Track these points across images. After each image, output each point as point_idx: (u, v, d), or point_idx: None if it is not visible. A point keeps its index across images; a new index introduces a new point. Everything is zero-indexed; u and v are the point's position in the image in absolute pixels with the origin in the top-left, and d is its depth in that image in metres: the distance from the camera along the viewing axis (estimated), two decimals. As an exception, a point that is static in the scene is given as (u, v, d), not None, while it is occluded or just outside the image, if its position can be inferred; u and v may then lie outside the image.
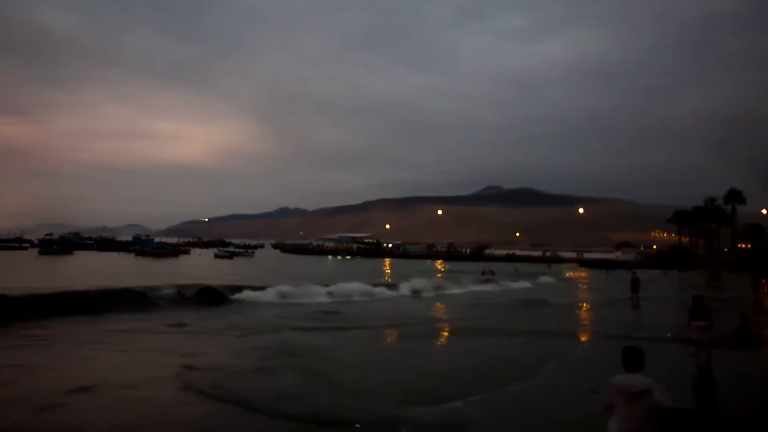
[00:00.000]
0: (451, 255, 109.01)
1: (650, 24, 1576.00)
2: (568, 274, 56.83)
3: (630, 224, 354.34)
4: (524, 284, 41.86)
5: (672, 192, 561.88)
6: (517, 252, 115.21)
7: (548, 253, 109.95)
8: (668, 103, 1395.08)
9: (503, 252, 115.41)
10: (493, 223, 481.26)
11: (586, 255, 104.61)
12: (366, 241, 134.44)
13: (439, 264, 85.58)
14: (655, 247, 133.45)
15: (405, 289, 32.27)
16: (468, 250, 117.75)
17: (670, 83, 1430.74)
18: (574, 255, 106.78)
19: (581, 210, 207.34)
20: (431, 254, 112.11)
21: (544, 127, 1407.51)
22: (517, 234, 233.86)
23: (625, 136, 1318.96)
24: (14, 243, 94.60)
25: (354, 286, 30.28)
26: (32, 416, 8.59)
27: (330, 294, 28.48)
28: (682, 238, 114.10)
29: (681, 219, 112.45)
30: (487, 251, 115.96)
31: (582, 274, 65.19)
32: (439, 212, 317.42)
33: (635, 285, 30.00)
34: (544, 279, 47.38)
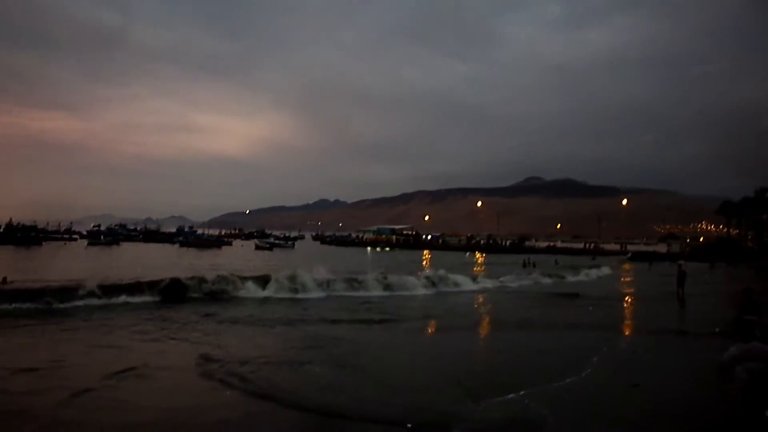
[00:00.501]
0: (490, 247, 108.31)
1: (695, 10, 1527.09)
2: (611, 267, 55.64)
3: (675, 216, 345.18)
4: (566, 277, 41.25)
5: (719, 183, 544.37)
6: (558, 244, 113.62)
7: (590, 245, 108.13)
8: (714, 91, 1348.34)
9: (544, 244, 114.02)
10: (533, 214, 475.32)
11: (630, 247, 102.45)
12: (405, 232, 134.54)
13: (478, 256, 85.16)
14: (701, 239, 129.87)
15: (443, 281, 31.77)
16: (508, 242, 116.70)
17: (717, 71, 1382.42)
18: (617, 247, 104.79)
19: (624, 201, 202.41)
20: (470, 246, 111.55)
21: (586, 117, 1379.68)
22: (558, 226, 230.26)
23: (669, 125, 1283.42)
24: (64, 235, 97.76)
25: (394, 279, 29.76)
26: (69, 399, 9.04)
27: (367, 285, 28.16)
28: (731, 230, 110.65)
29: (729, 210, 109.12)
30: (527, 243, 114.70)
31: (626, 266, 63.93)
32: (479, 204, 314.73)
33: (681, 278, 29.32)
34: (587, 271, 46.58)
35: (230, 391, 9.78)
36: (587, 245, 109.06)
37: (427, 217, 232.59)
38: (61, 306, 19.11)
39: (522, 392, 9.85)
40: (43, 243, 76.66)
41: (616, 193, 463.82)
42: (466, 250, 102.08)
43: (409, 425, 8.14)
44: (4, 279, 23.00)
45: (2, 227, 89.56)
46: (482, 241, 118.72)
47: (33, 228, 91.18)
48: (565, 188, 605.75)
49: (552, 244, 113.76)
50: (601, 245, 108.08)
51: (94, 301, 20.19)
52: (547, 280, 38.19)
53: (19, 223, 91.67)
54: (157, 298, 21.73)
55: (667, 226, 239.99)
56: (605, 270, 49.75)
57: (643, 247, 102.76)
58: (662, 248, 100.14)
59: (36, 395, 9.19)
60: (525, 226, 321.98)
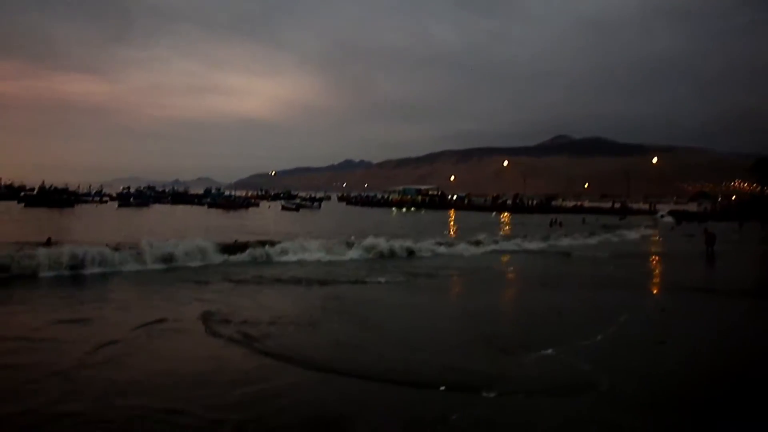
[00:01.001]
0: (517, 207, 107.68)
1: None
2: (643, 226, 54.87)
3: (706, 174, 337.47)
4: (594, 237, 40.83)
5: (753, 139, 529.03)
6: (586, 203, 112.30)
7: (617, 204, 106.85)
8: (749, 44, 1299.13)
9: (571, 204, 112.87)
10: (561, 174, 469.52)
11: (659, 206, 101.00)
12: (430, 193, 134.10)
13: (504, 216, 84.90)
14: (734, 198, 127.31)
15: (467, 243, 31.46)
16: (535, 202, 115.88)
17: (752, 22, 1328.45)
18: (646, 207, 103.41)
19: (654, 160, 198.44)
20: (497, 206, 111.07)
21: (616, 74, 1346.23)
22: (586, 185, 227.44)
23: (702, 80, 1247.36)
24: (95, 197, 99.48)
25: (424, 244, 29.10)
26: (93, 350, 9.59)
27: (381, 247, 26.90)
28: (765, 188, 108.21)
29: (764, 168, 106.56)
30: (554, 203, 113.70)
31: (654, 226, 63.16)
32: (505, 163, 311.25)
33: (710, 239, 29.09)
34: (616, 231, 46.15)
35: (249, 347, 10.16)
36: (614, 204, 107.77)
37: (452, 177, 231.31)
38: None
39: (551, 349, 10.02)
40: (75, 205, 78.03)
41: (645, 151, 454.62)
42: (492, 210, 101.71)
43: (443, 387, 7.85)
44: (48, 239, 23.91)
45: (36, 190, 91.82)
46: (508, 201, 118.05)
47: (65, 190, 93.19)
48: (594, 147, 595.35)
49: (579, 203, 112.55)
50: (630, 205, 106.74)
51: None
52: (576, 240, 37.87)
53: (51, 186, 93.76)
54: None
55: (698, 185, 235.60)
56: (637, 230, 49.18)
57: (673, 206, 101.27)
58: (693, 207, 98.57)
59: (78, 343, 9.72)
60: (552, 185, 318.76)
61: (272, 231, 39.54)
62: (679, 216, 75.92)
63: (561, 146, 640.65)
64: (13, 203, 73.42)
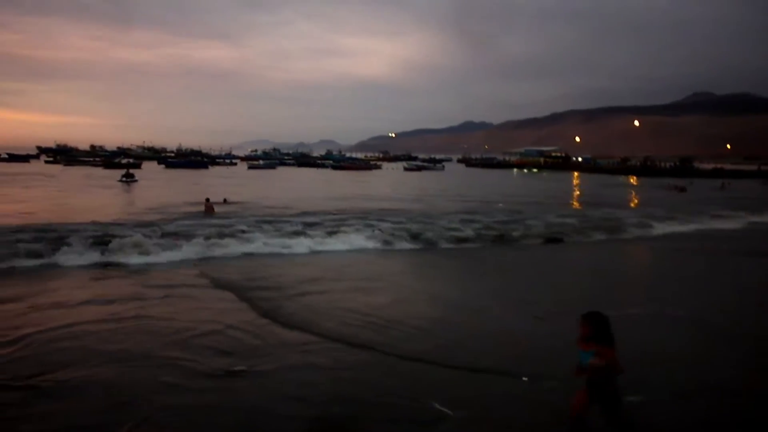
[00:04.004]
0: (647, 169, 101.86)
1: None
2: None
3: None
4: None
5: None
6: (727, 166, 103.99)
7: (765, 167, 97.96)
8: None
9: (709, 166, 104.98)
10: (698, 134, 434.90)
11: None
12: (553, 154, 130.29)
13: (633, 179, 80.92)
14: None
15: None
16: (667, 164, 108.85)
17: None
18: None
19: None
20: (625, 168, 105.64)
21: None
22: (728, 146, 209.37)
23: None
24: (226, 159, 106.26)
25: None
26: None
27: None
28: None
29: None
30: (695, 165, 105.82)
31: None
32: (636, 123, 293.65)
33: None
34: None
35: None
36: (761, 167, 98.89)
37: (577, 138, 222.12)
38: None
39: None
40: (209, 167, 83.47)
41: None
42: (620, 173, 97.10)
43: (525, 378, 7.05)
44: (225, 200, 27.92)
45: (174, 152, 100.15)
46: (638, 163, 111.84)
47: (200, 152, 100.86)
48: (739, 103, 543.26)
49: (719, 166, 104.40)
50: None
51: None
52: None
53: (187, 149, 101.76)
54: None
55: None
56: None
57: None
58: None
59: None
60: (687, 146, 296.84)
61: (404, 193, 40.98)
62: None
63: (699, 104, 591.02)
64: (154, 164, 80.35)
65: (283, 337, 8.51)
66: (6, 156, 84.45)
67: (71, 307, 9.84)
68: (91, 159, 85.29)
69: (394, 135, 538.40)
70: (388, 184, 56.66)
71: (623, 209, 30.75)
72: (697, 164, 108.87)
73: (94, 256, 13.96)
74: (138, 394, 6.23)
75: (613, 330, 4.94)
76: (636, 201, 39.97)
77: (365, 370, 7.26)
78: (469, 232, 19.63)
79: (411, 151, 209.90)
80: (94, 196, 33.53)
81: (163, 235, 16.35)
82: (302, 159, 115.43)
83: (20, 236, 15.22)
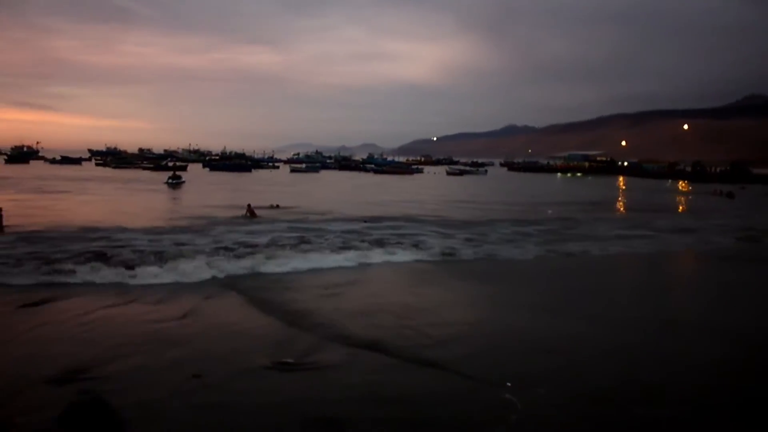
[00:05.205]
0: (697, 174, 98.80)
1: None
2: None
3: None
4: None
5: None
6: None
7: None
8: None
9: (766, 172, 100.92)
10: (753, 138, 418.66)
11: None
12: (598, 158, 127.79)
13: (682, 184, 78.66)
14: None
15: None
16: (719, 169, 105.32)
17: None
18: None
19: None
20: (673, 173, 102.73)
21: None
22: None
23: None
24: (269, 162, 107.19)
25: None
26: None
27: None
28: None
29: None
30: (744, 170, 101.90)
31: None
32: (685, 127, 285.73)
33: None
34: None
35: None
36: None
37: (623, 143, 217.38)
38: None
39: None
40: (252, 170, 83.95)
41: None
42: (668, 178, 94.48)
43: (509, 383, 7.18)
44: (275, 205, 28.57)
45: (218, 155, 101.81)
46: (687, 168, 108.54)
47: (243, 155, 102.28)
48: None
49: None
50: None
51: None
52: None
53: (231, 152, 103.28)
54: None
55: None
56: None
57: None
58: None
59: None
60: (739, 151, 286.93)
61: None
62: None
63: (753, 107, 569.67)
64: (199, 167, 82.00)
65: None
66: (59, 158, 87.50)
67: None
68: (139, 161, 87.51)
69: (435, 138, 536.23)
70: (432, 188, 56.47)
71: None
72: (753, 169, 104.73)
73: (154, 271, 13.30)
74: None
75: None
76: (683, 207, 39.00)
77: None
78: (527, 245, 19.02)
79: (452, 155, 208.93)
80: (143, 199, 34.55)
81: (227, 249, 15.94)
82: (344, 162, 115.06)
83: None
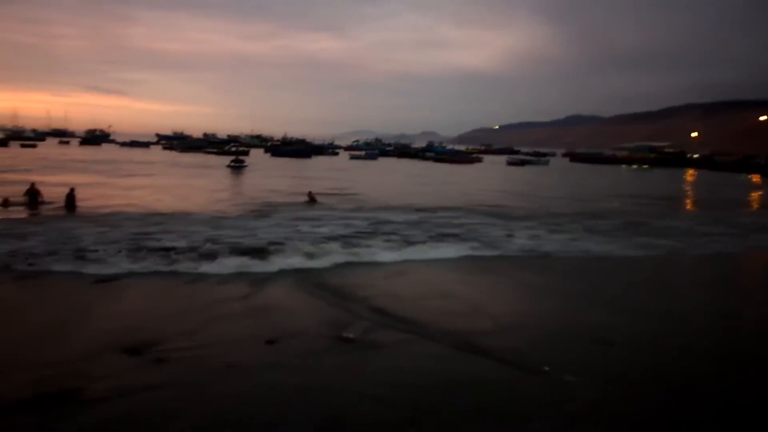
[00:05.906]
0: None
1: None
2: None
3: None
4: None
5: None
6: None
7: None
8: None
9: None
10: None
11: None
12: (666, 150, 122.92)
13: (756, 178, 74.85)
14: None
15: None
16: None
17: None
18: None
19: None
20: (747, 166, 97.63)
21: None
22: None
23: None
24: (328, 148, 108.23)
25: None
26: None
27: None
28: None
29: None
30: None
31: None
32: (762, 118, 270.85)
33: None
34: None
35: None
36: None
37: (694, 134, 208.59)
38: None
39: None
40: (312, 156, 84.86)
41: None
42: (741, 171, 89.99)
43: (546, 368, 7.67)
44: (332, 192, 28.73)
45: (279, 141, 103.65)
46: (762, 162, 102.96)
47: (303, 141, 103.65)
48: None
49: None
50: None
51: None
52: None
53: (292, 137, 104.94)
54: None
55: None
56: None
57: None
58: None
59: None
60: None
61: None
62: None
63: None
64: (260, 152, 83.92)
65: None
66: (129, 142, 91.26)
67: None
68: (204, 146, 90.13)
69: (496, 127, 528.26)
70: (492, 178, 55.76)
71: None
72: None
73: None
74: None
75: None
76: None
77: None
78: (588, 243, 17.81)
79: (513, 144, 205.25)
80: (207, 183, 35.53)
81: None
82: (403, 150, 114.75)
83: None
